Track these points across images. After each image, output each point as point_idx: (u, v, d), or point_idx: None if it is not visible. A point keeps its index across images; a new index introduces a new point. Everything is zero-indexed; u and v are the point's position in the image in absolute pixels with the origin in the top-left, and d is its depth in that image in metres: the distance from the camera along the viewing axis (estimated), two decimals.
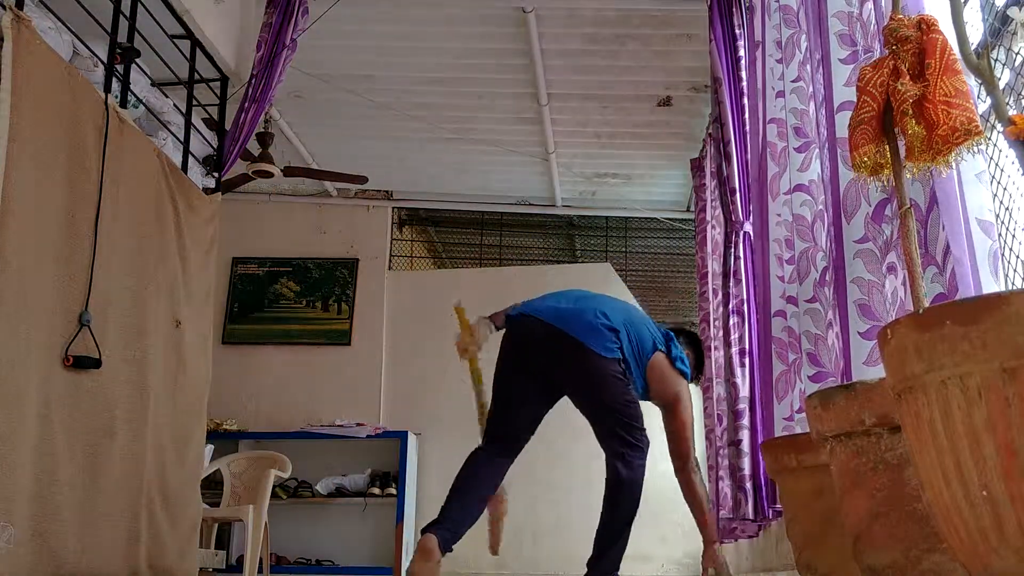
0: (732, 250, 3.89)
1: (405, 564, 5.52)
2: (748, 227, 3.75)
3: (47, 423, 2.81)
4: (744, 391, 3.62)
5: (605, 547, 3.10)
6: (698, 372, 3.39)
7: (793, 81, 2.79)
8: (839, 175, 2.24)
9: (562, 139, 5.72)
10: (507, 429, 3.11)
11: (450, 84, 5.15)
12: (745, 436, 3.53)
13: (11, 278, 2.67)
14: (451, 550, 2.85)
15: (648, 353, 3.09)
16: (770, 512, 3.28)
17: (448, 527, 2.85)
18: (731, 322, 3.79)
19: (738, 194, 3.83)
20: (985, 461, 0.91)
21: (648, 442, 3.04)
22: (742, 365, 3.69)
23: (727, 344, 3.80)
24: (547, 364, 3.06)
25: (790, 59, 2.83)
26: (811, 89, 2.69)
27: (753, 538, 4.19)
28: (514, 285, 6.49)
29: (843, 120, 2.12)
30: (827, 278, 2.45)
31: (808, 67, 2.72)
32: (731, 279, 3.86)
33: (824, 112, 2.37)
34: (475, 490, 2.98)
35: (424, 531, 2.83)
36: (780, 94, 2.96)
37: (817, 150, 2.62)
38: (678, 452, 3.13)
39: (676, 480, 3.14)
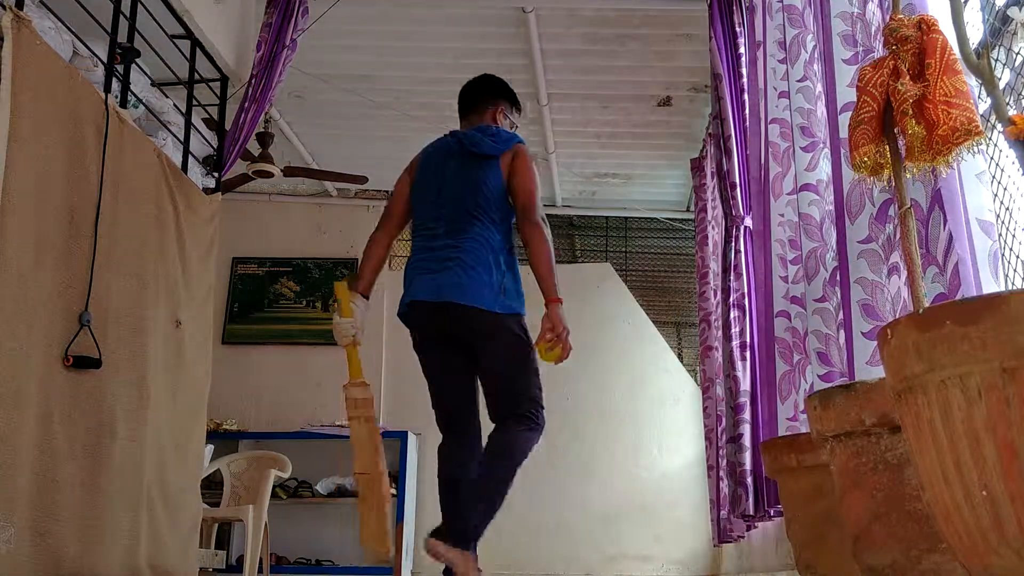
0: (732, 244, 3.89)
1: (405, 564, 5.52)
2: (748, 222, 3.76)
3: (47, 423, 2.81)
4: (745, 385, 3.62)
5: (475, 506, 2.77)
6: (516, 107, 3.26)
7: (799, 81, 2.79)
8: (842, 176, 2.25)
9: (562, 139, 5.72)
10: (449, 407, 3.01)
11: (450, 84, 5.12)
12: (746, 431, 3.53)
13: (11, 278, 2.67)
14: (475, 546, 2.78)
15: (500, 165, 2.97)
16: (771, 511, 3.28)
17: (461, 527, 2.75)
18: (732, 316, 3.80)
19: (739, 189, 3.84)
20: (985, 461, 0.91)
21: (544, 423, 2.85)
22: (743, 359, 3.69)
23: (727, 338, 3.80)
24: (451, 336, 2.92)
25: (795, 59, 2.83)
26: (817, 89, 2.69)
27: (742, 538, 4.19)
28: None
29: (846, 121, 2.12)
30: (837, 277, 2.46)
31: (815, 67, 2.72)
32: (731, 273, 3.86)
33: (827, 113, 2.37)
34: (455, 487, 2.91)
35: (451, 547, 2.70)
36: (783, 94, 2.96)
37: (824, 150, 2.62)
38: (525, 204, 2.92)
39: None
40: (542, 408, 2.87)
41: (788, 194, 2.93)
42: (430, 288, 2.89)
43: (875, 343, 2.03)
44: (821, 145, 2.64)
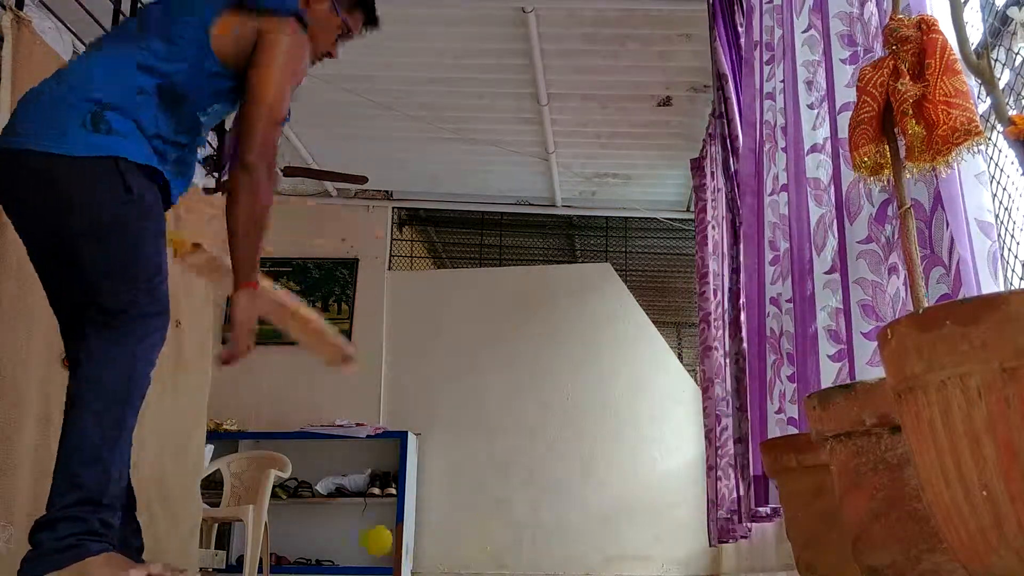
0: (738, 246, 3.89)
1: (405, 564, 5.52)
2: None
3: (47, 423, 2.81)
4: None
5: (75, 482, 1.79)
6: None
7: (782, 81, 2.79)
8: (841, 176, 2.25)
9: (562, 139, 5.72)
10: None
11: (450, 84, 5.15)
12: (749, 431, 3.53)
13: (10, 278, 2.67)
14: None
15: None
16: (769, 512, 3.28)
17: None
18: (741, 317, 3.79)
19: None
20: (985, 461, 0.91)
21: (144, 332, 1.86)
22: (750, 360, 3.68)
23: (736, 339, 3.80)
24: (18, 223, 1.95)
25: (780, 59, 2.83)
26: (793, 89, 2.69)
27: (745, 538, 4.19)
28: (514, 285, 6.51)
29: (845, 121, 2.12)
30: (814, 279, 2.46)
31: (799, 69, 2.72)
32: (738, 275, 3.86)
33: (828, 112, 2.37)
34: None
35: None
36: (770, 95, 2.96)
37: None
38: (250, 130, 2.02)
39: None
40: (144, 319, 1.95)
41: (769, 195, 2.94)
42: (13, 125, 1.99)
43: (875, 343, 2.03)
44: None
